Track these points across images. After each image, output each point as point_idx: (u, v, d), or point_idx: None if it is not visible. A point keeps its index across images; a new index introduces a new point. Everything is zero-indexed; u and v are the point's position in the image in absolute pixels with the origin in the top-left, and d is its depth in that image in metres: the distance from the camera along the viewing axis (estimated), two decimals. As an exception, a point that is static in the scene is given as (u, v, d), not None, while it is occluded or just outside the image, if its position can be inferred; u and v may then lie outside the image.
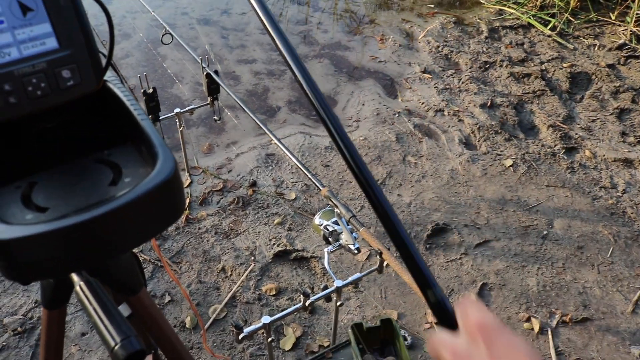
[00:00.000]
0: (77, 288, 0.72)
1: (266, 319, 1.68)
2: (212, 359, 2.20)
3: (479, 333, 0.50)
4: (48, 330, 0.95)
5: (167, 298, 2.41)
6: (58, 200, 0.71)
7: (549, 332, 2.30)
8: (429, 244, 2.63)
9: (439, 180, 3.00)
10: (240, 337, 1.64)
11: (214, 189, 2.91)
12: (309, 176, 2.13)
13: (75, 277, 0.74)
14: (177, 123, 2.72)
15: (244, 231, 2.68)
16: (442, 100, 3.63)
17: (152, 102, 2.58)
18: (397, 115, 3.49)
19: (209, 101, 2.74)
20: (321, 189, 2.06)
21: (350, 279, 1.82)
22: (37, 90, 0.66)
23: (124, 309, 1.02)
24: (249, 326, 1.69)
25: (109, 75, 0.82)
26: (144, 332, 1.11)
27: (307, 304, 1.72)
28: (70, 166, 0.79)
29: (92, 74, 0.71)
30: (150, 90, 2.54)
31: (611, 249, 2.67)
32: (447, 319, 0.55)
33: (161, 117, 2.64)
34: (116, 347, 0.65)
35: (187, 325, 2.31)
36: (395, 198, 2.87)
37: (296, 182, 2.95)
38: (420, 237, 2.65)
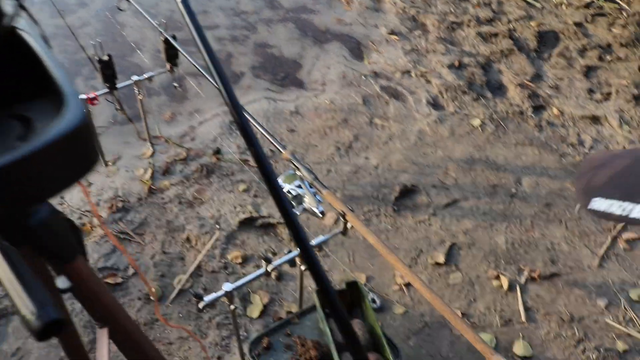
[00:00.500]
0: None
1: (227, 287, 1.63)
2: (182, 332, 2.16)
3: None
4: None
5: (131, 271, 2.35)
6: None
7: (518, 289, 2.29)
8: (397, 206, 2.60)
9: (406, 142, 2.96)
10: (200, 305, 1.59)
11: (177, 158, 2.83)
12: (270, 139, 2.07)
13: None
14: (136, 91, 2.62)
15: (208, 199, 2.62)
16: (409, 61, 3.57)
17: (108, 70, 2.47)
18: (363, 77, 3.43)
19: (168, 68, 2.65)
20: (283, 151, 2.01)
21: (313, 242, 1.78)
22: None
23: (63, 282, 0.96)
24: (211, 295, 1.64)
25: (23, 23, 0.75)
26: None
27: (269, 269, 1.67)
28: None
29: None
30: (106, 58, 2.43)
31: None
32: None
33: (118, 86, 2.54)
34: (30, 318, 0.59)
35: (152, 297, 2.25)
36: (362, 161, 2.83)
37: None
38: (388, 199, 2.62)
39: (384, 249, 1.65)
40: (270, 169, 0.60)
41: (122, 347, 1.10)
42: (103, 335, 1.32)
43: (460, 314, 2.19)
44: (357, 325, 1.74)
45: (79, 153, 0.64)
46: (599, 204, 0.67)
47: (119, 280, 2.32)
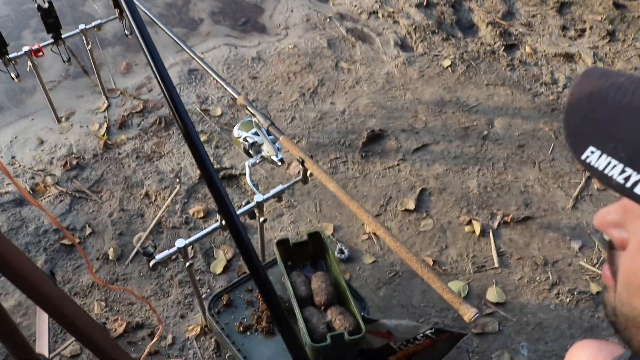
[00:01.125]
0: None
1: (180, 243, 1.53)
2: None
3: None
4: None
5: (88, 230, 2.24)
6: None
7: (490, 234, 2.22)
8: (365, 152, 2.50)
9: (374, 86, 2.84)
10: (151, 264, 1.49)
11: (133, 111, 2.69)
12: (223, 84, 1.95)
13: None
14: (84, 41, 2.46)
15: (167, 153, 2.50)
16: (376, 1, 3.41)
17: (51, 19, 2.31)
18: (328, 20, 3.27)
19: (116, 14, 2.48)
20: (237, 97, 1.89)
21: (272, 192, 1.67)
22: None
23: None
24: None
25: None
26: None
27: (224, 222, 1.57)
28: None
29: None
30: (46, 5, 2.26)
31: (552, 145, 2.59)
32: None
33: (64, 35, 2.38)
34: None
35: (110, 257, 2.15)
36: (328, 106, 2.71)
37: (222, 97, 2.74)
38: (356, 145, 2.51)
39: (345, 197, 1.56)
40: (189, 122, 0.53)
41: (53, 316, 1.00)
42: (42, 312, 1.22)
43: (431, 262, 2.12)
44: (320, 277, 1.66)
45: None
46: (595, 158, 0.45)
47: (76, 240, 2.21)
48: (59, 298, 0.99)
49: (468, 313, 1.23)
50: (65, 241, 2.20)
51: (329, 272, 1.72)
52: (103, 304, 2.03)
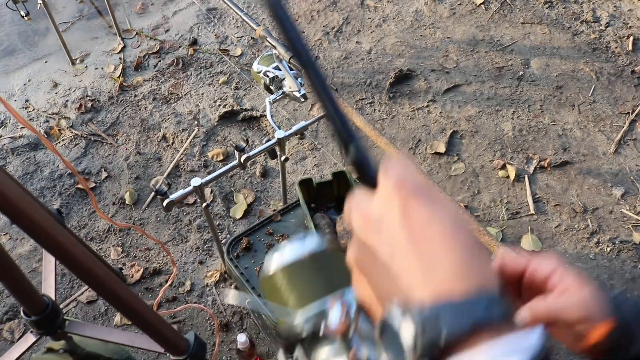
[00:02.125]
0: None
1: (196, 181, 1.43)
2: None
3: (396, 195, 0.38)
4: None
5: (104, 174, 2.15)
6: None
7: (526, 179, 2.09)
8: (393, 93, 2.36)
9: (402, 24, 2.67)
10: (165, 203, 1.39)
11: (150, 52, 2.57)
12: (242, 16, 1.81)
13: None
14: (96, -25, 2.33)
15: (185, 94, 2.38)
16: (405, -63, 3.22)
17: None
18: (354, -44, 3.09)
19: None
20: (255, 28, 1.75)
21: (294, 128, 1.56)
22: None
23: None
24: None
25: None
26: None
27: (242, 160, 1.46)
28: None
29: None
30: None
31: (593, 86, 2.42)
32: (366, 176, 0.43)
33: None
34: None
35: (126, 202, 2.07)
36: (353, 46, 2.56)
37: (242, 36, 2.61)
38: (383, 85, 2.37)
39: (373, 132, 1.44)
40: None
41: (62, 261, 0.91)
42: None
43: (463, 207, 2.00)
44: (344, 220, 1.55)
45: None
46: None
47: (92, 185, 2.13)
48: (64, 238, 0.90)
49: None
50: (80, 185, 2.12)
51: (354, 215, 1.62)
52: (119, 249, 1.96)
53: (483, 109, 2.31)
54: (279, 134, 1.52)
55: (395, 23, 2.67)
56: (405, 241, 0.36)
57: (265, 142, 1.55)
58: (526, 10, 2.77)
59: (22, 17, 2.25)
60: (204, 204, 1.49)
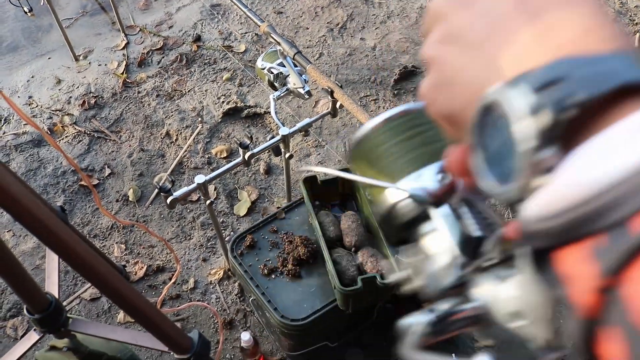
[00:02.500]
0: None
1: (200, 178, 1.42)
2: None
3: None
4: None
5: (107, 171, 2.15)
6: None
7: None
8: (397, 89, 2.34)
9: (406, 20, 2.66)
10: (168, 200, 1.38)
11: (153, 48, 2.56)
12: (246, 12, 1.80)
13: None
14: (100, -29, 2.32)
15: (189, 91, 2.37)
16: None
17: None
18: (358, -48, 3.07)
19: (133, -58, 2.33)
20: (260, 24, 1.74)
21: (298, 125, 1.55)
22: None
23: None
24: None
25: None
26: None
27: (246, 157, 1.45)
28: None
29: None
30: None
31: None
32: None
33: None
34: None
35: (130, 199, 2.06)
36: (357, 42, 2.54)
37: (246, 32, 2.60)
38: (387, 82, 2.36)
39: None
40: None
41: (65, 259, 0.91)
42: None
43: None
44: (350, 217, 1.54)
45: None
46: None
47: (95, 181, 2.12)
48: (67, 236, 0.89)
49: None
50: (84, 182, 2.11)
51: (359, 212, 1.61)
52: (123, 246, 1.95)
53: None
54: (283, 130, 1.51)
55: (400, 19, 2.65)
56: (512, 4, 0.27)
57: (270, 139, 1.54)
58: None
59: (26, 13, 2.24)
60: (208, 202, 1.49)
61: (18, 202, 0.79)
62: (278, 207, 1.99)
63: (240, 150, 1.46)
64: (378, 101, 2.29)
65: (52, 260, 1.22)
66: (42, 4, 2.23)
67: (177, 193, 1.41)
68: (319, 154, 2.13)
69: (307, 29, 2.60)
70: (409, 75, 2.39)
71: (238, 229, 1.94)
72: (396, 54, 2.48)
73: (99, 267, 0.95)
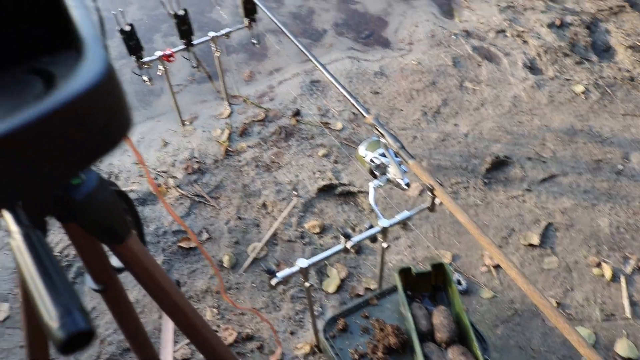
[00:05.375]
0: (11, 241, 0.53)
1: (302, 262, 1.51)
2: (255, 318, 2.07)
3: None
4: (28, 324, 0.79)
5: (205, 235, 2.28)
6: None
7: (622, 280, 2.06)
8: (488, 179, 2.39)
9: (499, 108, 2.72)
10: (273, 282, 1.47)
11: (255, 119, 2.72)
12: (353, 102, 1.91)
13: (11, 223, 0.55)
14: (213, 48, 2.51)
15: (286, 164, 2.50)
16: (505, 19, 3.29)
17: (184, 26, 2.37)
18: (453, 37, 3.18)
19: (246, 23, 2.51)
20: (366, 116, 1.84)
21: (397, 217, 1.62)
22: None
23: (117, 262, 0.85)
24: (285, 268, 1.52)
25: None
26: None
27: (348, 246, 1.53)
28: None
29: None
30: (182, 12, 2.33)
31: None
32: None
33: (195, 42, 2.44)
34: (53, 326, 0.47)
35: (225, 265, 2.17)
36: (451, 128, 2.62)
37: (343, 110, 2.72)
38: (478, 170, 2.41)
39: (476, 230, 1.47)
40: None
41: (179, 326, 1.00)
42: (168, 321, 1.23)
43: (554, 304, 1.99)
44: (443, 313, 1.58)
45: (101, 114, 0.50)
46: None
47: (192, 244, 2.25)
48: (187, 307, 0.99)
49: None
50: (182, 244, 2.24)
51: (450, 307, 1.65)
52: (215, 311, 2.05)
53: (579, 202, 2.30)
54: (384, 222, 1.58)
55: (493, 107, 2.72)
56: None
57: (368, 228, 1.61)
58: (627, 102, 2.76)
59: (145, 81, 2.43)
60: (307, 285, 1.57)
61: (159, 283, 0.89)
62: (366, 288, 2.05)
63: (342, 239, 1.54)
64: (468, 189, 2.34)
65: (168, 332, 1.32)
66: (160, 74, 2.42)
67: (280, 275, 1.50)
68: (409, 237, 2.19)
69: (402, 110, 2.70)
70: (500, 165, 2.44)
71: (326, 305, 2.01)
72: (488, 142, 2.54)
73: (211, 339, 1.04)
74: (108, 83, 0.47)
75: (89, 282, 0.88)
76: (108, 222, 0.74)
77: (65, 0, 0.53)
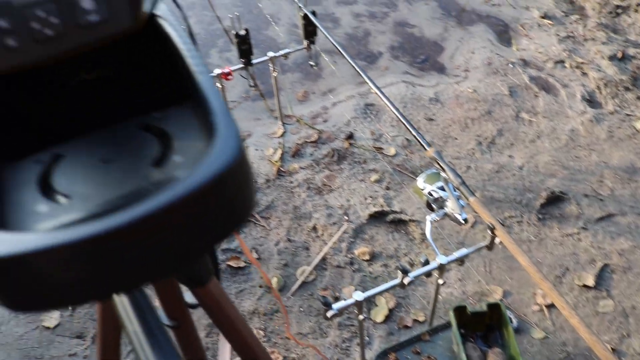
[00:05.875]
0: (116, 301, 0.54)
1: (358, 296, 1.50)
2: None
3: None
4: (103, 324, 0.80)
5: (255, 255, 2.29)
6: (84, 184, 0.53)
7: (681, 327, 2.00)
8: (543, 214, 2.35)
9: (556, 142, 2.67)
10: (329, 315, 1.47)
11: (307, 140, 2.73)
12: (414, 134, 1.90)
13: None
14: (271, 68, 2.54)
15: (338, 187, 2.50)
16: (564, 50, 3.24)
17: (245, 45, 2.40)
18: (510, 65, 3.15)
19: (305, 45, 2.53)
20: (427, 149, 1.83)
21: (455, 255, 1.60)
22: (45, 29, 0.46)
23: (190, 297, 0.86)
24: (338, 299, 1.52)
25: (164, 10, 0.61)
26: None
27: (406, 282, 1.52)
28: (107, 133, 0.60)
29: (126, 4, 0.50)
30: (243, 32, 2.36)
31: None
32: None
33: (254, 61, 2.47)
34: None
35: (273, 287, 2.18)
36: (505, 159, 2.58)
37: (396, 136, 2.71)
38: (533, 205, 2.37)
39: (538, 274, 1.45)
40: None
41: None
42: (225, 345, 1.24)
43: (610, 349, 1.93)
44: (498, 355, 1.56)
45: (231, 195, 0.50)
46: None
47: (242, 264, 2.27)
48: (259, 349, 0.99)
49: None
50: (231, 262, 2.26)
51: (504, 349, 1.62)
52: (262, 332, 2.06)
53: (638, 243, 2.24)
54: (442, 259, 1.57)
55: (550, 140, 2.68)
56: None
57: (424, 264, 1.60)
58: (689, 141, 2.68)
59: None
60: (361, 317, 1.56)
61: (242, 334, 0.90)
62: (415, 319, 2.03)
63: (399, 274, 1.53)
64: (522, 224, 2.30)
65: (225, 355, 1.33)
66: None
67: (336, 306, 1.50)
68: (459, 271, 2.17)
69: (456, 139, 2.68)
70: (556, 200, 2.40)
71: (373, 334, 2.00)
72: (544, 176, 2.50)
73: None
74: (241, 163, 0.47)
75: (161, 318, 0.89)
76: (195, 269, 0.75)
77: (189, 64, 0.54)
